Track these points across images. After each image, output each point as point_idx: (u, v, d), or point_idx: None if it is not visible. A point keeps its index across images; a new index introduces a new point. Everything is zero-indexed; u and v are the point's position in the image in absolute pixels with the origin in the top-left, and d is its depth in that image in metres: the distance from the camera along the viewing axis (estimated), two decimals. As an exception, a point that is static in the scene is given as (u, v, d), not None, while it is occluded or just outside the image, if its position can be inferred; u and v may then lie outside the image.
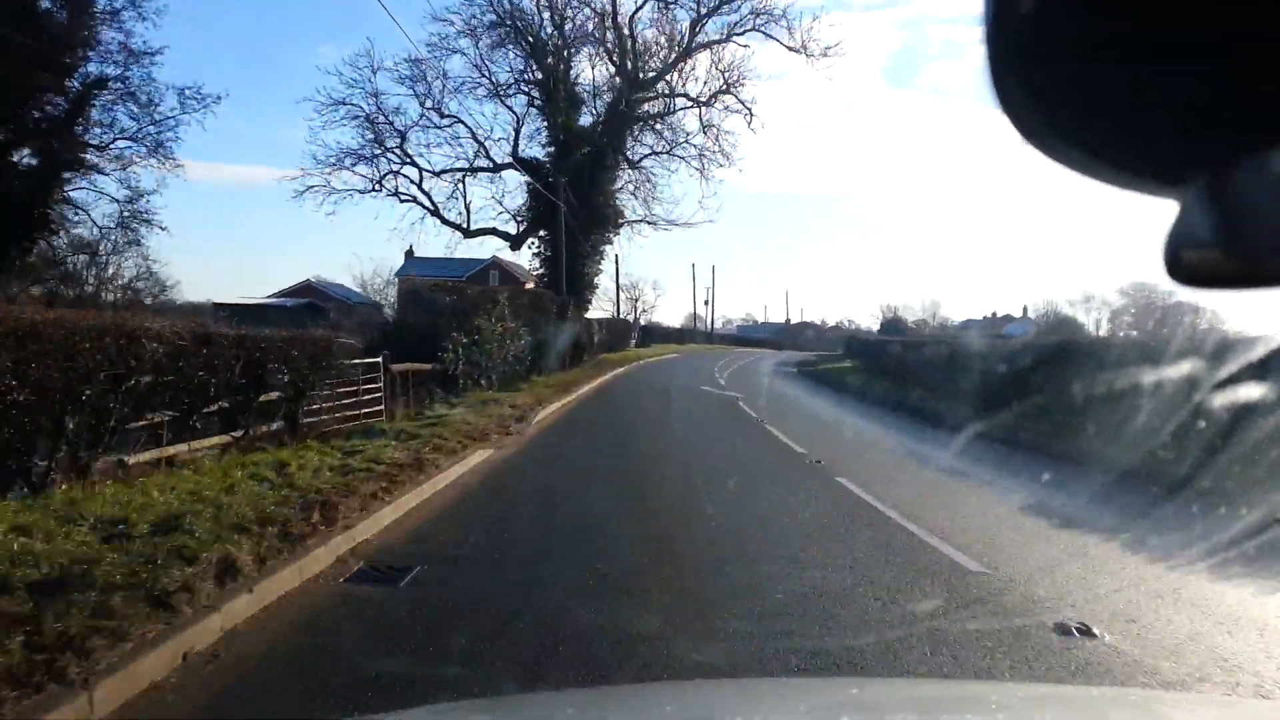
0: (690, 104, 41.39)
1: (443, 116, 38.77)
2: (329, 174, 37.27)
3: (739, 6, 39.03)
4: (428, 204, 40.06)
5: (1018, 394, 13.62)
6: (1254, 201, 0.50)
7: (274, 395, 10.45)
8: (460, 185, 40.44)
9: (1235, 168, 0.51)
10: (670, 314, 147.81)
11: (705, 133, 41.30)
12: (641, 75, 40.37)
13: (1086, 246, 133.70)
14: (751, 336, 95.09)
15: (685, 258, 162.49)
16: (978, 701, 1.97)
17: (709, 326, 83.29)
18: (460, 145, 40.30)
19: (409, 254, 50.90)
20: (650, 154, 42.06)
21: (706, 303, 74.28)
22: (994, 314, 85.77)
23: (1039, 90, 0.54)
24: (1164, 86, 0.51)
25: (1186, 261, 0.53)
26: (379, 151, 38.38)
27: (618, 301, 56.88)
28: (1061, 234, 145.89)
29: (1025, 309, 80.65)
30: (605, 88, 41.18)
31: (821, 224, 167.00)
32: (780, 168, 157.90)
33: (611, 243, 42.74)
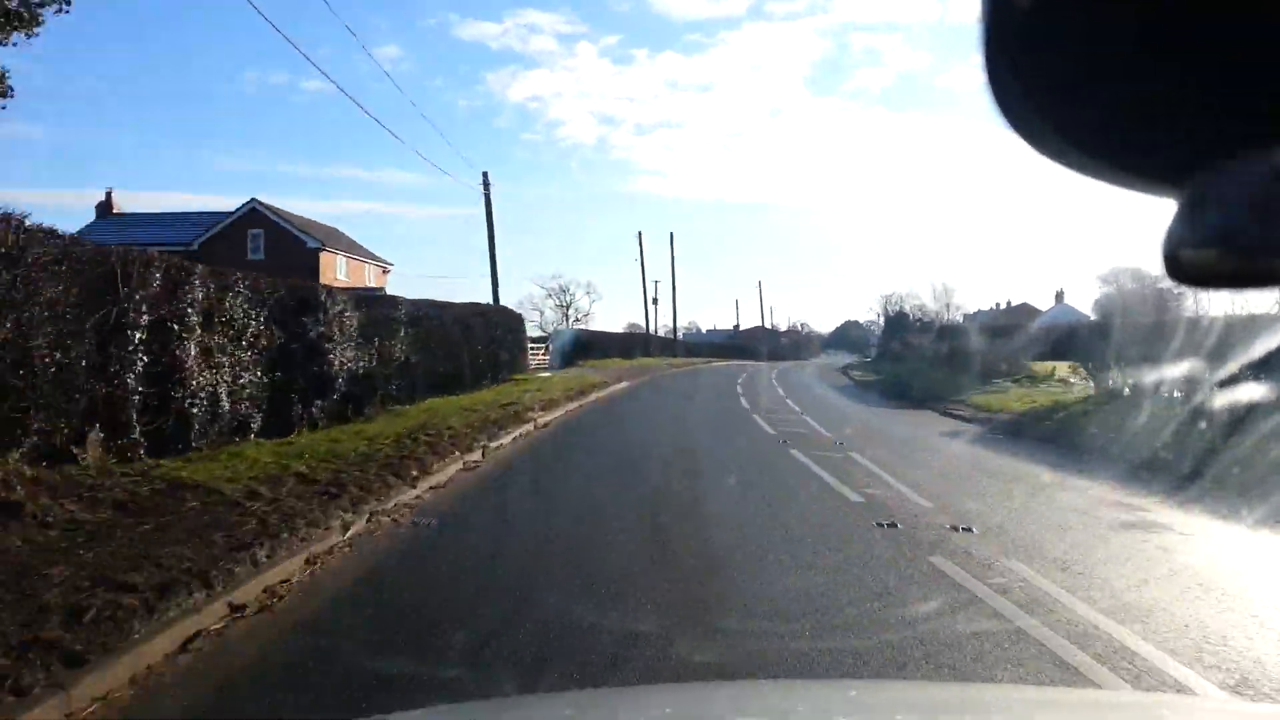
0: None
1: None
2: None
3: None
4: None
5: None
6: (1253, 200, 0.50)
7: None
8: None
9: (1234, 166, 0.51)
10: (611, 320, 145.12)
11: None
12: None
13: (1062, 236, 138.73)
14: (711, 344, 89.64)
15: (624, 265, 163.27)
16: (977, 704, 1.97)
17: (672, 331, 72.17)
18: None
19: (102, 207, 36.77)
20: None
21: (655, 301, 67.71)
22: (1005, 303, 79.69)
23: (1037, 90, 0.54)
24: (1163, 85, 0.51)
25: (1185, 260, 0.53)
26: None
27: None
28: (1041, 224, 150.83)
29: (1060, 294, 72.03)
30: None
31: (758, 231, 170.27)
32: (711, 176, 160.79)
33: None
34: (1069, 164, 0.56)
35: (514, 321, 28.74)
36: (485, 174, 33.56)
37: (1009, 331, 31.31)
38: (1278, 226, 0.50)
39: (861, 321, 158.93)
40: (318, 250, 36.54)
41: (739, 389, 28.56)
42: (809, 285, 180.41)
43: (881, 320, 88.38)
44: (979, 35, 0.52)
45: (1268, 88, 0.49)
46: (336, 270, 37.57)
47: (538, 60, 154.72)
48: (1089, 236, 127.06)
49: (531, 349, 34.94)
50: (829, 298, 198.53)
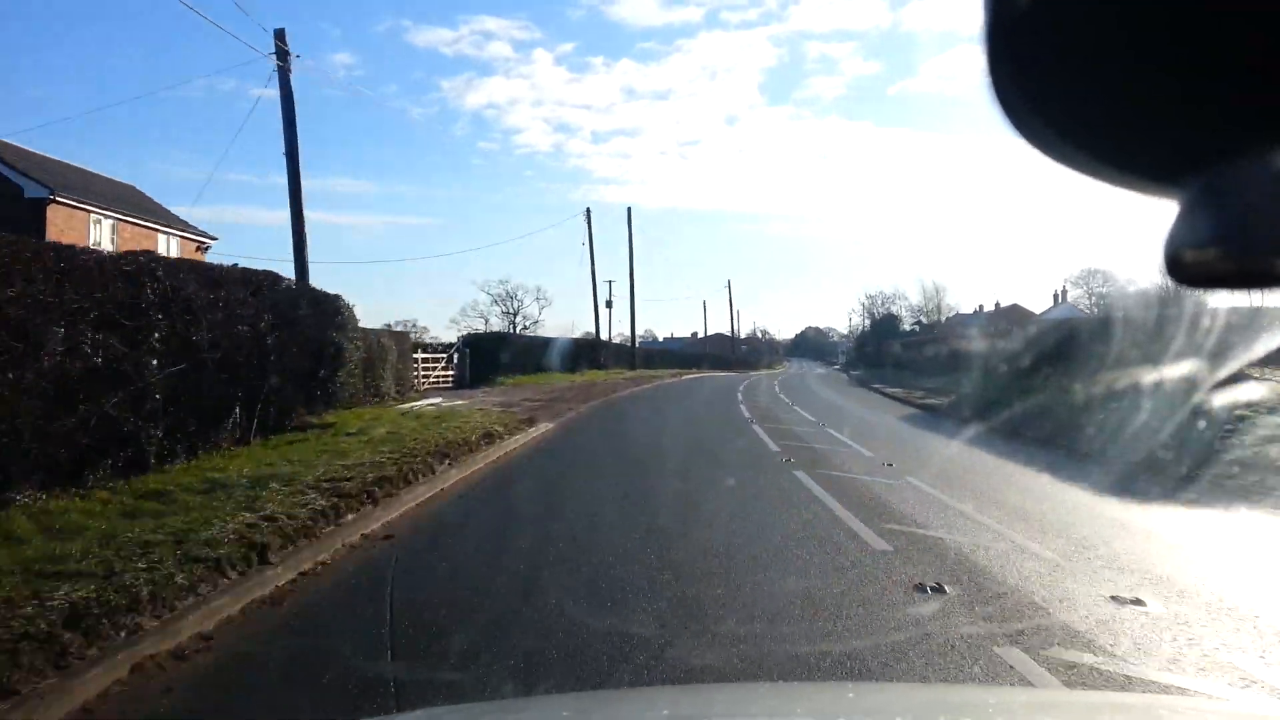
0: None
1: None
2: None
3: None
4: None
5: None
6: (1254, 200, 0.50)
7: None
8: None
9: (1235, 166, 0.50)
10: (563, 328, 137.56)
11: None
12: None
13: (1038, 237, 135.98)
14: (669, 352, 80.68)
15: (573, 270, 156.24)
16: (977, 707, 1.96)
17: (630, 339, 57.33)
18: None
19: None
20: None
21: (609, 304, 54.95)
22: (995, 304, 73.68)
23: (1038, 90, 0.54)
24: (1163, 85, 0.51)
25: (1186, 261, 0.52)
26: None
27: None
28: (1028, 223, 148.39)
29: (1060, 293, 65.58)
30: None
31: (716, 238, 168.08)
32: (668, 184, 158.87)
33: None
34: (1070, 164, 0.56)
35: (331, 311, 15.38)
36: (280, 32, 18.38)
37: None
38: (1278, 226, 0.50)
39: (822, 327, 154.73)
40: (44, 202, 24.45)
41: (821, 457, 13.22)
42: (767, 291, 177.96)
43: (867, 322, 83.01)
44: (980, 35, 0.52)
45: (1268, 88, 0.48)
46: (92, 235, 25.74)
47: (493, 67, 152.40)
48: (1056, 237, 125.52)
49: (426, 363, 25.98)
50: (790, 305, 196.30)
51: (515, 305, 75.61)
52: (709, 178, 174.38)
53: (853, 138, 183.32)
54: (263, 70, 23.44)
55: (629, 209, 53.55)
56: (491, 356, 32.56)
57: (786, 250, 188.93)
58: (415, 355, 26.35)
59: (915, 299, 76.65)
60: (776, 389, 33.37)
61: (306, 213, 19.00)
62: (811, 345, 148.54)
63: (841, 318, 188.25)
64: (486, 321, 73.63)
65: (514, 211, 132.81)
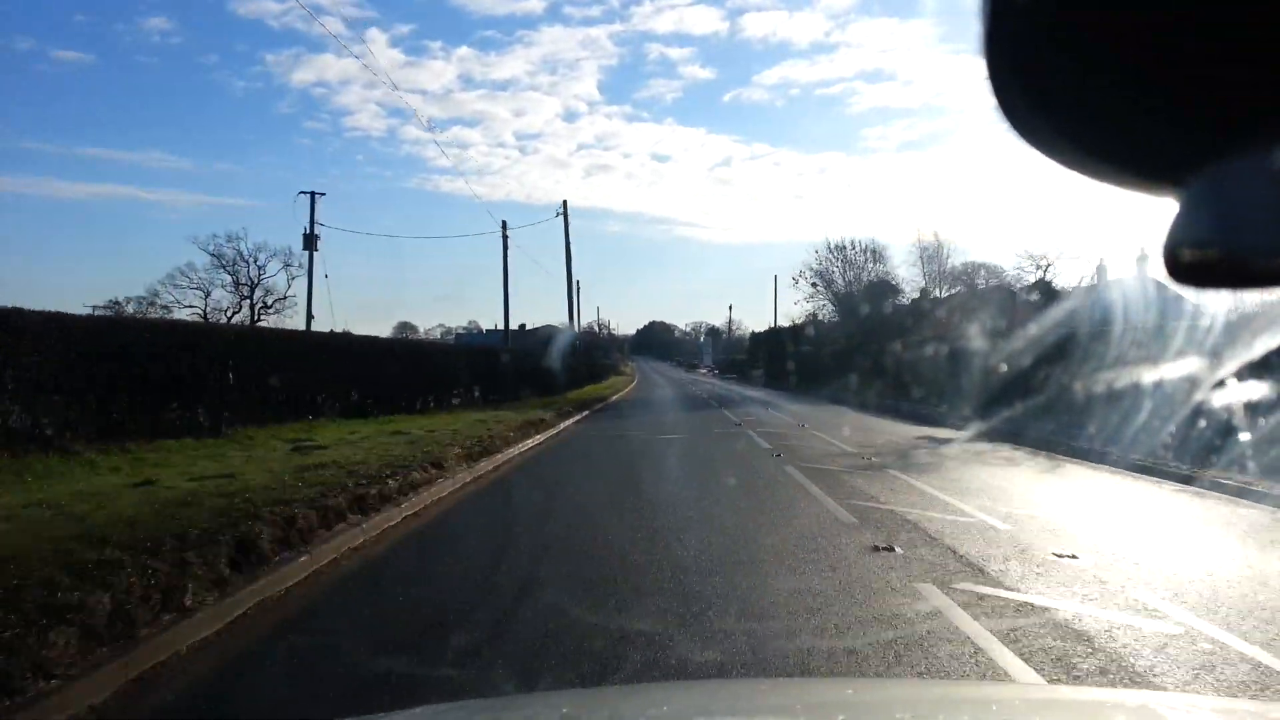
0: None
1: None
2: None
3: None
4: None
5: None
6: (1253, 200, 0.50)
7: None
8: None
9: (1234, 166, 0.50)
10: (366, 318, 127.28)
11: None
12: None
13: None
14: (468, 350, 73.81)
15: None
16: (977, 704, 1.98)
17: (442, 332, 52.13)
18: None
19: None
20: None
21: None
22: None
23: (1038, 90, 0.54)
24: (1163, 84, 0.51)
25: (1186, 260, 0.53)
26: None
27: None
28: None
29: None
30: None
31: (551, 233, 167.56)
32: (505, 178, 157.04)
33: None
34: (1070, 164, 0.56)
35: None
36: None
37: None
38: (1278, 227, 0.50)
39: (668, 322, 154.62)
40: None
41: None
42: (605, 287, 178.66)
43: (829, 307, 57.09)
44: (980, 35, 0.52)
45: (1268, 88, 0.48)
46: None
47: (324, 44, 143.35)
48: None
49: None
50: (631, 301, 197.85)
51: (252, 274, 49.87)
52: (547, 173, 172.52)
53: (688, 142, 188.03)
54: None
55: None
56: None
57: (626, 249, 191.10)
58: None
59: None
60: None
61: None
62: (658, 342, 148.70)
63: (681, 317, 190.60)
64: (207, 295, 48.94)
65: (342, 199, 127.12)
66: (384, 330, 70.53)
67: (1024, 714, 1.84)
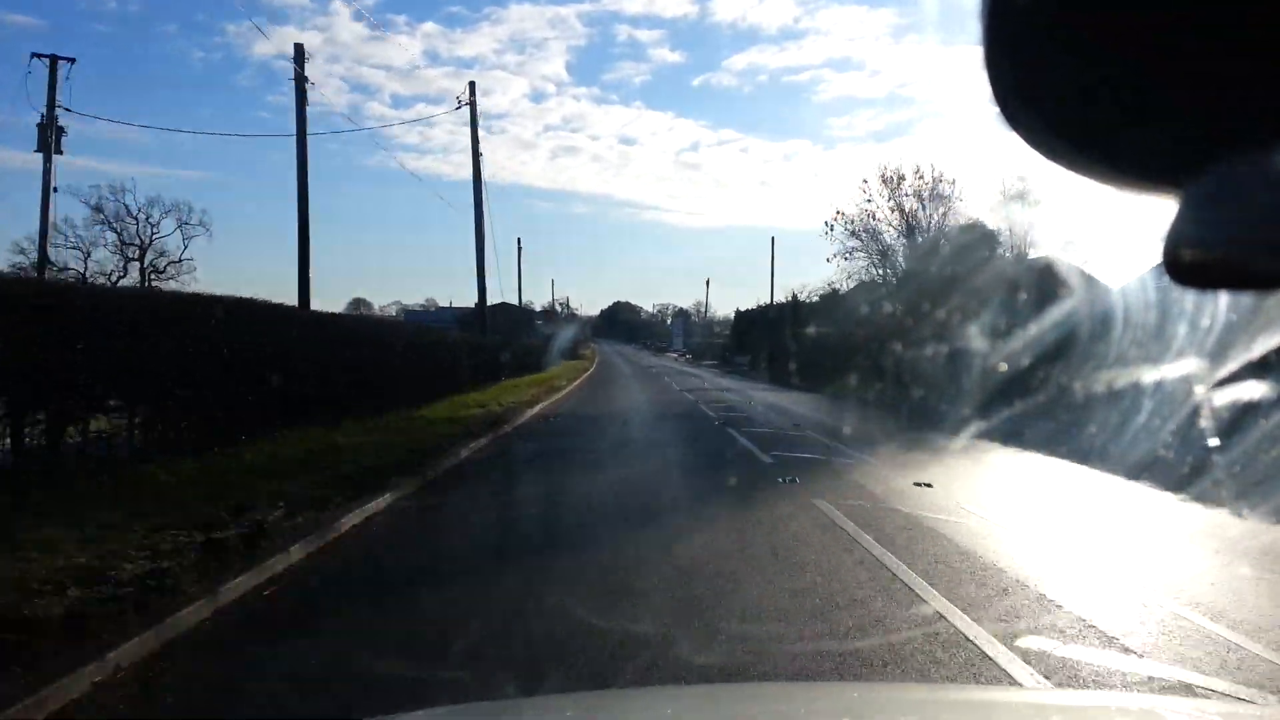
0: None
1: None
2: None
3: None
4: None
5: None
6: (1253, 200, 0.50)
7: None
8: None
9: (1235, 167, 0.50)
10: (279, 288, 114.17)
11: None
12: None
13: None
14: (420, 328, 68.52)
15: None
16: (981, 707, 2.01)
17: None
18: None
19: None
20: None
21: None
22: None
23: (1036, 89, 0.54)
24: (1164, 84, 0.51)
25: (1185, 261, 0.53)
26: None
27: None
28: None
29: None
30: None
31: (515, 213, 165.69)
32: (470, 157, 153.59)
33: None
34: (1070, 164, 0.56)
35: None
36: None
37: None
38: (1278, 227, 0.50)
39: (634, 303, 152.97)
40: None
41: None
42: (570, 268, 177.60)
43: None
44: (979, 35, 0.52)
45: (1268, 87, 0.48)
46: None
47: (285, 15, 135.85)
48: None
49: None
50: (595, 282, 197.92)
51: (144, 234, 43.42)
52: (513, 154, 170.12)
53: (656, 125, 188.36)
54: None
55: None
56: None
57: (592, 232, 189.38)
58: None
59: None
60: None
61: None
62: (623, 323, 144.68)
63: (647, 298, 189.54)
64: (86, 256, 41.19)
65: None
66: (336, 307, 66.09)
67: (1029, 717, 1.86)
